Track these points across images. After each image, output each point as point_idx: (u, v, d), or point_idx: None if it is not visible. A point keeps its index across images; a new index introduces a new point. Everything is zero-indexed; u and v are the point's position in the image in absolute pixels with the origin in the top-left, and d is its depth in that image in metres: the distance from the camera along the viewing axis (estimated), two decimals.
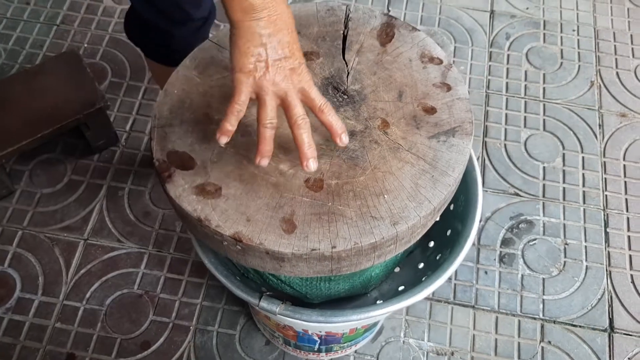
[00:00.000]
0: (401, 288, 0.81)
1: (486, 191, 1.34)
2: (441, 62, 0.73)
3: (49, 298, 1.18)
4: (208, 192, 0.63)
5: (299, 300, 0.82)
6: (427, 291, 0.73)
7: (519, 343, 1.18)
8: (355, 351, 1.16)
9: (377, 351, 1.16)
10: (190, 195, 0.63)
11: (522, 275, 1.25)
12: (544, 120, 1.43)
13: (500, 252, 1.27)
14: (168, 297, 1.19)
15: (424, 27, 1.56)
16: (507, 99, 1.46)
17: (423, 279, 0.78)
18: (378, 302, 0.78)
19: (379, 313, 0.71)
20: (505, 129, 1.42)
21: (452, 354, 1.16)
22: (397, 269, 0.88)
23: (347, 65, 0.73)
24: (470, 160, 0.81)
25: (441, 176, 0.64)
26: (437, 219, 0.67)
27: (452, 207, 0.84)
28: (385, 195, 0.62)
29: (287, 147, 0.66)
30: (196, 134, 0.67)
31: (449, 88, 0.71)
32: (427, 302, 1.21)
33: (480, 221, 1.28)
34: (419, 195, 0.63)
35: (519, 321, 1.20)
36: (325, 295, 0.78)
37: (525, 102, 1.46)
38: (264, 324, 1.03)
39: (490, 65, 1.51)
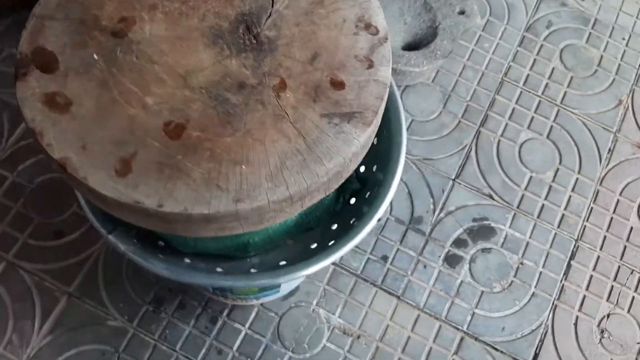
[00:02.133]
0: (282, 263, 0.74)
1: (459, 184, 1.23)
2: (377, 32, 0.62)
3: None
4: (56, 105, 0.56)
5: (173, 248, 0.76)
6: (293, 275, 0.67)
7: (431, 348, 1.11)
8: (262, 304, 1.11)
9: (283, 311, 1.11)
10: (36, 102, 0.56)
11: (462, 282, 1.16)
12: (551, 126, 1.29)
13: (449, 251, 1.18)
14: None
15: None
16: (521, 92, 1.32)
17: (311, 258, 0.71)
18: (251, 270, 0.72)
19: (228, 284, 0.65)
20: (506, 124, 1.29)
21: (359, 337, 1.11)
22: (290, 242, 0.81)
23: (272, 6, 0.63)
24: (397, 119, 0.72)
25: (313, 163, 0.55)
26: (301, 208, 0.58)
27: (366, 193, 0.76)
28: (244, 167, 0.54)
29: (165, 81, 0.58)
30: (74, 35, 0.59)
31: (370, 65, 0.60)
32: (353, 277, 1.14)
33: (439, 212, 1.19)
34: (279, 177, 0.54)
35: (440, 326, 1.13)
36: (192, 248, 0.72)
37: (540, 101, 1.31)
38: None
39: (517, 51, 1.35)
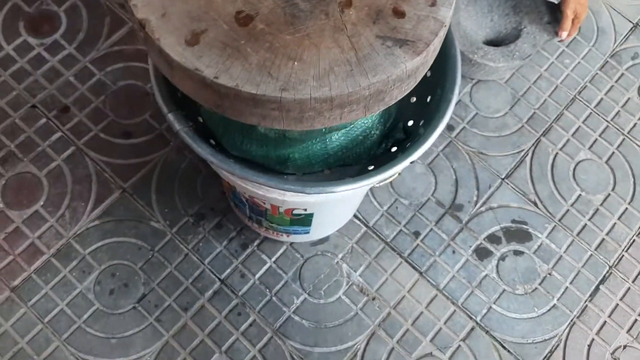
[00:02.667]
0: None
1: (507, 184, 1.25)
2: None
3: (77, 54, 1.27)
4: None
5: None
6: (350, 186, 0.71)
7: (440, 328, 1.14)
8: (291, 244, 1.17)
9: (309, 255, 1.16)
10: None
11: (486, 275, 1.18)
12: (613, 152, 1.29)
13: (480, 244, 1.20)
14: None
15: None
16: (590, 113, 1.32)
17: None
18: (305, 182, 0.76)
19: (268, 183, 0.70)
20: (568, 140, 1.29)
21: (373, 299, 1.15)
22: (327, 172, 0.85)
23: None
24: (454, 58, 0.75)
25: (359, 75, 0.59)
26: (340, 120, 0.63)
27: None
28: (296, 63, 0.59)
29: None
30: None
31: (434, 3, 0.64)
32: (382, 243, 1.18)
33: (480, 205, 1.21)
34: (324, 79, 0.59)
35: (454, 311, 1.15)
36: (238, 150, 0.77)
37: (607, 126, 1.31)
38: None
39: (596, 74, 1.36)
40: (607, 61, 1.38)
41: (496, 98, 1.31)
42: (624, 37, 1.40)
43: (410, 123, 0.85)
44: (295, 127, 0.63)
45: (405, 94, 0.66)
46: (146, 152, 1.21)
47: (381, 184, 0.87)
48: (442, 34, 0.63)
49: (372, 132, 0.81)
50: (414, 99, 0.87)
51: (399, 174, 0.93)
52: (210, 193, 1.19)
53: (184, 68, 0.59)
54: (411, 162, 0.74)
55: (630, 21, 1.42)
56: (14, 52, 1.26)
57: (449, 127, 1.28)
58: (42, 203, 1.16)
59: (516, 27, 1.27)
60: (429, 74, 0.82)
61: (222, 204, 1.18)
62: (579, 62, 1.37)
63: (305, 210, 0.93)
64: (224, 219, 1.18)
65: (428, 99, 0.82)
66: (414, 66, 0.62)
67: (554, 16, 1.25)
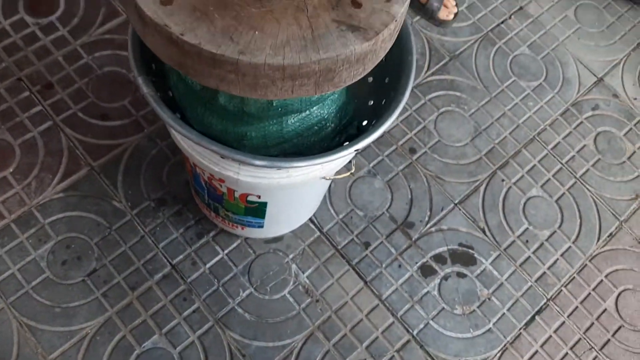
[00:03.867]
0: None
1: (459, 209, 1.30)
2: None
3: (69, 37, 1.34)
4: None
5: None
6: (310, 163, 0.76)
7: (377, 337, 1.17)
8: (246, 239, 1.21)
9: (261, 252, 1.21)
10: None
11: (428, 292, 1.22)
12: (563, 193, 1.35)
13: (427, 262, 1.25)
14: None
15: (528, 50, 1.50)
16: (546, 154, 1.39)
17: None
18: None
19: (241, 159, 0.75)
20: (522, 176, 1.36)
21: (317, 301, 1.18)
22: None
23: None
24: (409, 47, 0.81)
25: (311, 50, 0.65)
26: (291, 93, 0.68)
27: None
28: (257, 32, 0.65)
29: None
30: None
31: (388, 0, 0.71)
32: (332, 249, 1.23)
33: (431, 226, 1.27)
34: (280, 49, 0.64)
35: (393, 322, 1.19)
36: (199, 123, 0.83)
37: (561, 168, 1.38)
38: None
39: (557, 119, 1.44)
40: (569, 109, 1.46)
41: (459, 129, 1.38)
42: (587, 88, 1.49)
43: (365, 123, 0.92)
44: (250, 94, 0.69)
45: (355, 80, 0.72)
46: (120, 135, 1.26)
47: (331, 177, 0.92)
48: (392, 27, 0.69)
49: (327, 124, 0.87)
50: (371, 102, 0.94)
51: (352, 173, 0.99)
52: (175, 181, 1.24)
53: (155, 24, 0.65)
54: (356, 151, 0.79)
55: (595, 75, 1.51)
56: (9, 27, 1.33)
57: (411, 150, 1.35)
58: (11, 170, 1.21)
59: None
60: (387, 80, 0.89)
61: (185, 193, 1.23)
62: (541, 106, 1.45)
63: (259, 197, 0.98)
64: (184, 207, 1.22)
65: (383, 102, 0.88)
66: (363, 51, 0.68)
67: None
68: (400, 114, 1.38)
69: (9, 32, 1.32)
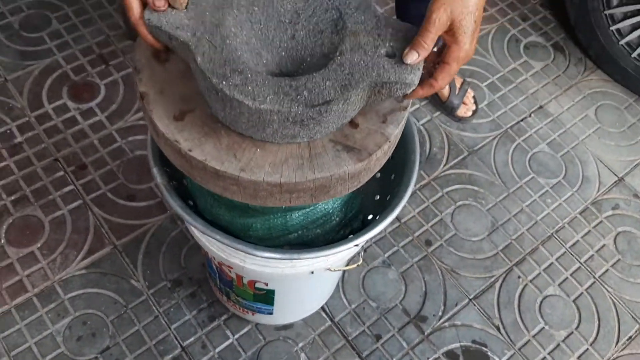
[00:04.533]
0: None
1: (474, 305, 1.29)
2: (402, 102, 0.76)
3: (106, 122, 1.43)
4: (158, 57, 0.75)
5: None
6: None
7: None
8: (256, 325, 1.22)
9: (271, 339, 1.21)
10: (146, 50, 0.75)
11: None
12: (581, 293, 1.33)
13: (438, 358, 1.22)
14: None
15: (548, 147, 1.53)
16: (565, 252, 1.38)
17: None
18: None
19: (250, 251, 0.78)
20: (539, 273, 1.35)
21: None
22: (287, 247, 0.94)
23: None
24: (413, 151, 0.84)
25: (307, 169, 0.69)
26: (289, 202, 0.72)
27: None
28: (258, 150, 0.69)
29: None
30: None
31: (384, 121, 0.75)
32: (343, 340, 1.22)
33: (445, 321, 1.26)
34: (278, 167, 0.68)
35: None
36: (209, 213, 0.87)
37: (579, 267, 1.36)
38: None
39: (575, 217, 1.43)
40: (588, 207, 1.46)
41: (476, 223, 1.39)
42: (608, 187, 1.49)
43: (370, 217, 0.94)
44: (251, 201, 0.73)
45: (351, 191, 0.75)
46: (144, 215, 1.32)
47: (337, 269, 0.94)
48: (385, 147, 0.73)
49: (332, 217, 0.90)
50: (377, 197, 0.97)
51: (358, 264, 1.01)
52: (192, 262, 1.27)
53: (166, 138, 0.70)
54: (355, 246, 0.82)
55: (615, 174, 1.51)
56: (52, 111, 1.43)
57: (427, 242, 1.36)
58: (39, 245, 1.26)
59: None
60: (392, 176, 0.92)
61: (200, 274, 1.26)
62: (560, 204, 1.45)
63: (267, 285, 1.00)
64: (199, 289, 1.25)
65: (388, 197, 0.91)
66: (356, 170, 0.71)
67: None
68: (417, 205, 1.40)
69: (51, 115, 1.43)
